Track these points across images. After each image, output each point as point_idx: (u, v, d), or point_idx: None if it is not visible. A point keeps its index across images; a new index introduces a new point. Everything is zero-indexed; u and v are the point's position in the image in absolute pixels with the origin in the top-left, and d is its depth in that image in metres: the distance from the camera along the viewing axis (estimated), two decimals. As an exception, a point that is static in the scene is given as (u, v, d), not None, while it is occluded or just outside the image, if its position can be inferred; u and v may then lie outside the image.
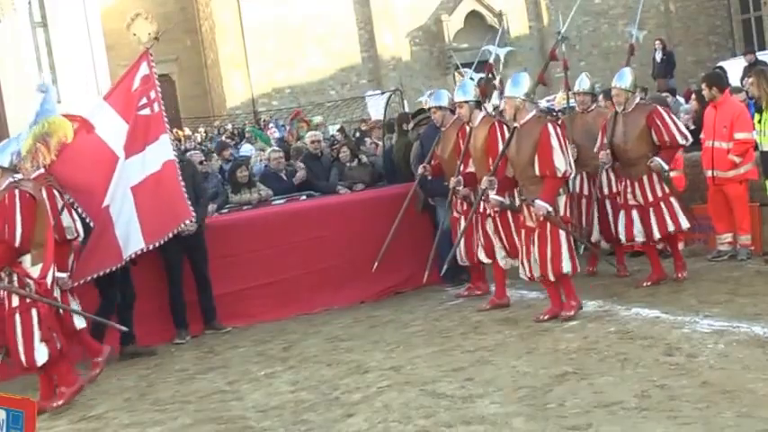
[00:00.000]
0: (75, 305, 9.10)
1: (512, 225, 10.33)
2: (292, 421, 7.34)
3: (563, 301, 9.67)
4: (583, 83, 12.01)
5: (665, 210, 10.54)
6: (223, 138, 27.27)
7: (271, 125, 30.30)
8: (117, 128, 10.20)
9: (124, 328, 9.75)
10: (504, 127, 10.27)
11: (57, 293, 8.69)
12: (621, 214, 10.83)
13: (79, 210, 9.76)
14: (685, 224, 10.60)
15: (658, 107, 10.79)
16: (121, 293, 10.38)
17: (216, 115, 39.88)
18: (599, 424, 6.28)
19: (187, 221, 10.37)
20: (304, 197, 12.99)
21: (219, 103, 40.97)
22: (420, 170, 11.64)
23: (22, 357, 8.36)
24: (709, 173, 11.42)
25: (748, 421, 5.95)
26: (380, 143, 16.37)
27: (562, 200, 9.64)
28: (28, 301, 8.32)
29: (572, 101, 13.40)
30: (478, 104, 10.89)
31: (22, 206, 8.34)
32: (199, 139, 31.32)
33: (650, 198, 10.56)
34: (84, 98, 37.47)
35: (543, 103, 19.30)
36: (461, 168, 10.84)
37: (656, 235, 10.56)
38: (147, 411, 8.26)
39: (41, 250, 8.45)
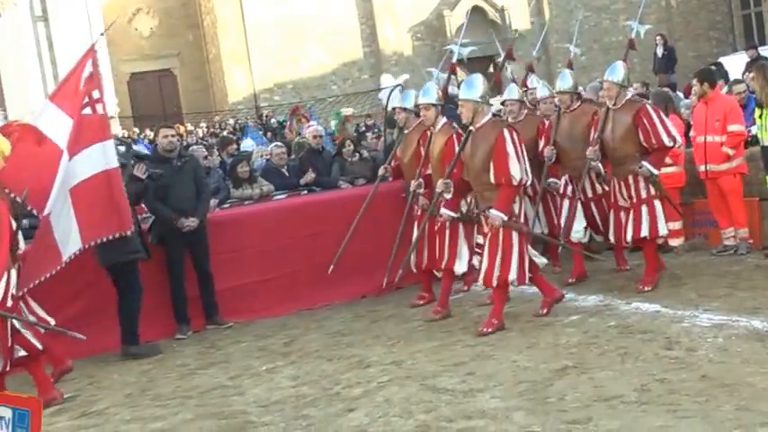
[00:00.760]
0: (36, 313, 9.06)
1: (461, 234, 10.30)
2: (293, 416, 7.36)
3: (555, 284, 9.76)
4: (564, 81, 11.60)
5: (644, 213, 10.25)
6: (225, 133, 27.31)
7: (272, 121, 30.38)
8: (63, 126, 9.84)
9: (82, 336, 9.60)
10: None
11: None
12: (611, 215, 10.66)
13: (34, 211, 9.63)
14: (663, 230, 10.31)
15: (647, 105, 10.51)
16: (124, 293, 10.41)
17: (217, 110, 39.89)
18: (599, 418, 6.30)
19: (127, 232, 9.97)
20: (305, 192, 13.00)
21: (221, 98, 40.95)
22: (381, 171, 11.59)
23: None
24: (702, 167, 11.47)
25: (747, 414, 5.98)
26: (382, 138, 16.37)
27: (516, 205, 9.40)
28: None
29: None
30: (442, 108, 10.71)
31: None
32: (201, 134, 31.35)
33: (634, 198, 10.31)
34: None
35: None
36: (422, 170, 10.75)
37: (629, 238, 10.38)
38: (148, 407, 8.28)
39: None
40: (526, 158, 9.36)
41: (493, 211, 9.21)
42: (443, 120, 10.63)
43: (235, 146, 17.44)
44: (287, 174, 13.43)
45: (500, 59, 11.92)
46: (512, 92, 12.15)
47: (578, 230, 11.03)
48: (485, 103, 9.52)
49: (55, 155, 9.65)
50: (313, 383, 8.25)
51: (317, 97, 36.82)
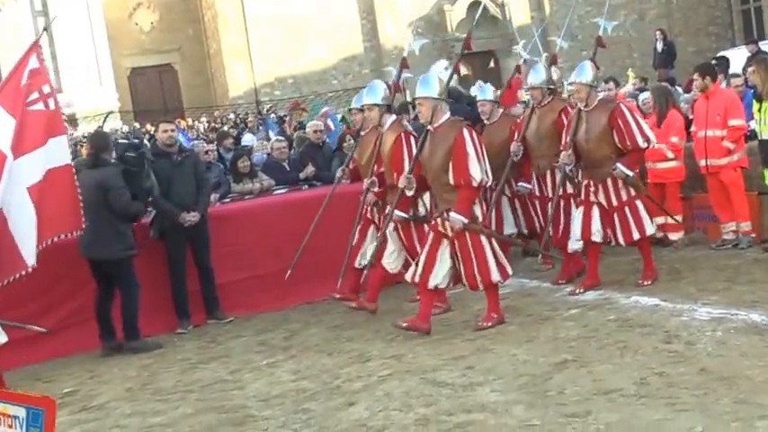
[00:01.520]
0: None
1: (414, 236, 10.09)
2: (294, 410, 7.38)
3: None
4: (536, 76, 11.40)
5: (629, 215, 10.09)
6: (225, 127, 27.30)
7: (272, 115, 30.31)
8: (6, 126, 9.44)
9: (43, 330, 9.59)
10: (411, 137, 10.00)
11: None
12: (579, 212, 10.34)
13: None
14: (650, 230, 10.21)
15: (621, 105, 10.31)
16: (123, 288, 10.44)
17: (218, 105, 39.89)
18: (598, 411, 6.32)
19: (78, 232, 9.79)
20: (306, 187, 13.01)
21: (222, 92, 40.95)
22: (338, 173, 11.38)
23: None
24: (703, 162, 11.47)
25: (745, 407, 6.00)
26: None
27: (477, 207, 9.20)
28: None
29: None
30: (389, 108, 10.48)
31: None
32: (202, 129, 31.36)
33: (614, 202, 10.11)
34: (86, 88, 37.60)
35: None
36: (374, 169, 10.52)
37: (621, 242, 10.25)
38: (148, 401, 8.30)
39: None
40: (486, 159, 9.12)
41: (453, 214, 8.98)
42: (392, 118, 10.38)
43: (231, 140, 17.36)
44: (288, 168, 13.44)
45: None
46: (485, 92, 11.97)
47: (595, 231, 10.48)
48: (443, 101, 9.30)
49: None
50: (313, 378, 8.27)
51: (318, 92, 36.81)
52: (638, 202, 10.15)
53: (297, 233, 11.30)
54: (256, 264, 11.63)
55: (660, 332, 8.10)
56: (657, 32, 27.26)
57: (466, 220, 8.96)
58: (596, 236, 10.18)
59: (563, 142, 10.53)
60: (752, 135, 11.28)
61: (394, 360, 8.46)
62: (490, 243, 9.17)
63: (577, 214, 10.37)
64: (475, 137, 9.06)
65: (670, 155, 11.78)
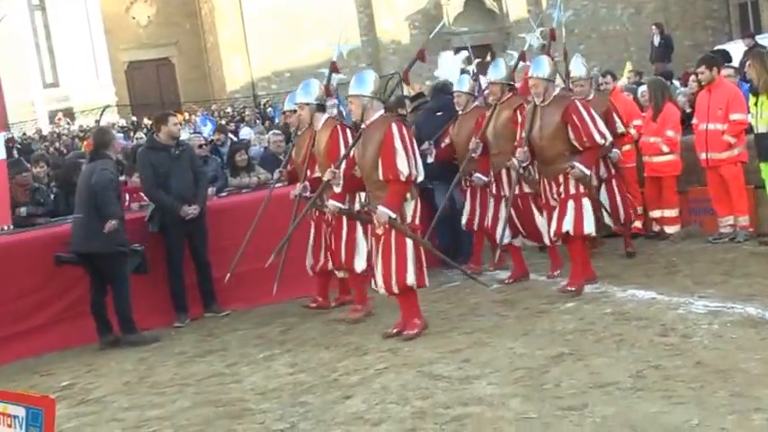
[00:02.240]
0: None
1: (343, 232, 9.98)
2: (291, 403, 7.39)
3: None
4: (496, 71, 11.19)
5: (570, 209, 9.75)
6: (222, 121, 27.32)
7: (269, 109, 30.29)
8: None
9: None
10: (348, 131, 9.93)
11: None
12: (544, 216, 10.28)
13: None
14: (589, 229, 9.80)
15: (576, 101, 9.98)
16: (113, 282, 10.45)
17: (215, 99, 39.89)
18: (594, 404, 6.34)
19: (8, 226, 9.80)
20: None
21: (219, 86, 40.96)
22: (276, 175, 11.30)
23: None
24: (703, 155, 11.47)
25: (741, 400, 6.03)
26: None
27: (410, 206, 8.95)
28: None
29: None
30: (321, 107, 10.40)
31: None
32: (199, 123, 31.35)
33: (562, 194, 9.85)
34: (83, 82, 37.61)
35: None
36: (308, 173, 10.45)
37: (552, 233, 9.96)
38: (146, 394, 8.31)
39: None
40: (417, 154, 8.99)
41: (380, 208, 8.77)
42: (325, 116, 10.31)
43: (223, 135, 17.29)
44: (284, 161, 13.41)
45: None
46: (462, 83, 11.71)
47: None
48: (375, 99, 9.06)
49: None
50: (310, 371, 8.27)
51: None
52: (585, 200, 9.83)
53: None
54: (253, 257, 11.61)
55: (656, 325, 8.12)
56: (653, 27, 27.23)
57: (393, 215, 8.74)
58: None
59: (517, 139, 10.38)
60: (749, 129, 11.29)
61: (390, 353, 8.46)
62: (415, 245, 8.91)
63: (543, 221, 10.30)
64: (404, 132, 8.89)
65: (665, 149, 11.78)
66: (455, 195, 11.45)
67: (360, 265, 10.00)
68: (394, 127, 8.83)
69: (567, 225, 9.73)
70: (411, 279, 8.82)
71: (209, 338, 10.33)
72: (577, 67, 11.52)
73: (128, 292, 10.35)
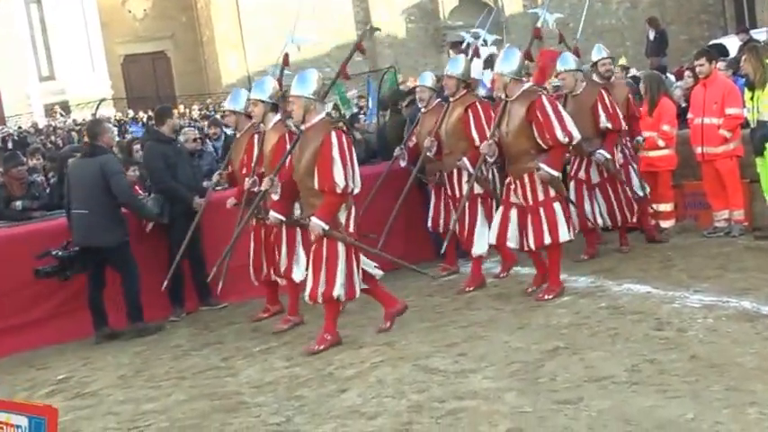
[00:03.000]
0: None
1: (283, 243, 9.74)
2: (287, 397, 7.41)
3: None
4: (454, 66, 10.92)
5: (543, 217, 9.45)
6: (217, 116, 27.29)
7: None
8: None
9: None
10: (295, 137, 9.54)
11: None
12: (498, 213, 9.91)
13: None
14: (565, 236, 9.51)
15: (542, 97, 9.48)
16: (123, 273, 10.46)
17: (211, 92, 39.86)
18: (590, 398, 6.35)
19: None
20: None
21: (215, 79, 40.92)
22: (215, 178, 11.07)
23: None
24: (699, 149, 11.48)
25: (736, 394, 6.05)
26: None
27: (343, 215, 8.65)
28: None
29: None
30: (275, 106, 10.07)
31: None
32: (195, 116, 31.34)
33: (530, 201, 9.52)
34: (79, 76, 37.56)
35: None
36: (256, 168, 10.06)
37: (531, 245, 9.58)
38: (141, 388, 8.32)
39: None
40: (355, 165, 8.63)
41: (313, 219, 8.49)
42: (276, 117, 10.03)
43: (214, 129, 17.20)
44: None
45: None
46: (425, 79, 11.55)
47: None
48: (317, 101, 8.75)
49: None
50: (306, 364, 8.28)
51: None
52: (557, 205, 9.52)
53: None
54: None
55: (651, 319, 8.14)
56: (646, 23, 27.27)
57: (326, 227, 8.45)
58: (512, 242, 9.79)
59: (470, 136, 10.29)
60: (745, 124, 11.30)
61: (386, 347, 8.46)
62: (348, 256, 8.61)
63: (496, 216, 9.98)
64: (344, 141, 8.52)
65: (661, 143, 11.77)
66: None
67: (298, 275, 9.70)
68: (333, 135, 8.46)
69: (547, 238, 9.45)
70: (338, 290, 8.54)
71: (204, 332, 10.35)
72: (564, 62, 11.42)
73: (138, 280, 10.41)
